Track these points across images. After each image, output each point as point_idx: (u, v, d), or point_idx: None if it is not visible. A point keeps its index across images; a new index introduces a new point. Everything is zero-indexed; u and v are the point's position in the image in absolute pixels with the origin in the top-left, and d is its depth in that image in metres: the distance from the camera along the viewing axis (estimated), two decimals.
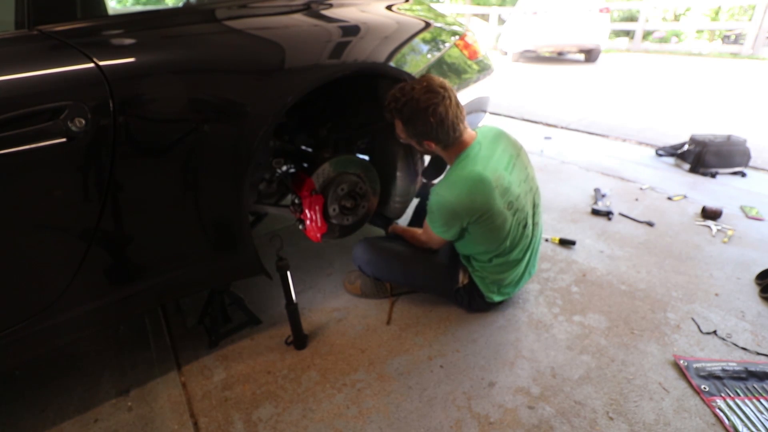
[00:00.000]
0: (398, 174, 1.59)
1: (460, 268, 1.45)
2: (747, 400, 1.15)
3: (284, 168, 1.51)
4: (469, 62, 1.72)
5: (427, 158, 1.74)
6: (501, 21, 11.10)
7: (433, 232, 1.36)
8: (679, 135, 3.39)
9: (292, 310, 1.35)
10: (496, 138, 1.36)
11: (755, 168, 2.80)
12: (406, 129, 1.26)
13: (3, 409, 1.19)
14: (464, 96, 1.67)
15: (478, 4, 14.80)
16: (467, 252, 1.42)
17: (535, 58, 9.19)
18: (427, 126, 1.21)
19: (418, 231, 1.51)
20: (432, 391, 1.21)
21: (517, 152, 1.39)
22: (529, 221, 1.39)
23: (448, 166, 1.35)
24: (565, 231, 2.04)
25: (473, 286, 1.43)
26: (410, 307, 1.55)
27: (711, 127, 3.70)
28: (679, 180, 2.65)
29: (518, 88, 5.89)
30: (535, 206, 1.42)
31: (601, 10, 7.81)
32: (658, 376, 1.24)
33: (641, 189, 2.51)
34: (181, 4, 1.72)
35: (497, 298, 1.45)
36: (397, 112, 1.24)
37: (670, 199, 2.37)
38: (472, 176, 1.23)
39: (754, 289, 1.61)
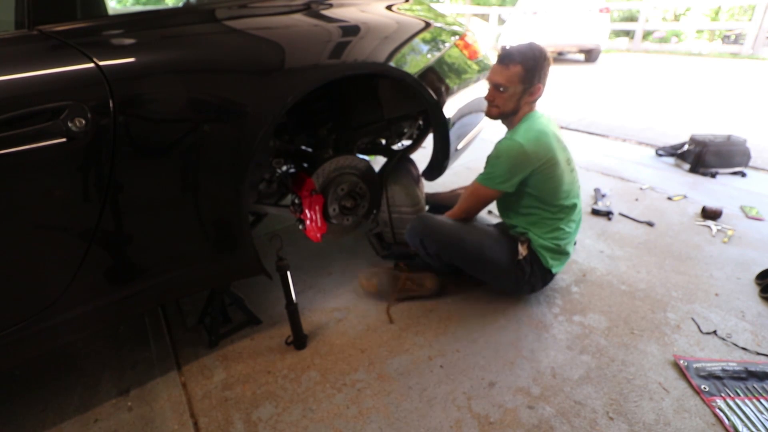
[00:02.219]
0: (394, 185, 1.57)
1: (518, 241, 1.49)
2: (747, 400, 1.15)
3: (284, 168, 1.51)
4: (469, 62, 1.72)
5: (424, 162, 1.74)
6: (501, 21, 11.10)
7: (488, 185, 1.42)
8: (679, 135, 3.39)
9: (292, 310, 1.35)
10: (549, 118, 1.50)
11: (755, 168, 2.80)
12: (527, 73, 1.36)
13: (3, 409, 1.19)
14: (464, 96, 1.68)
15: (478, 4, 14.79)
16: (524, 205, 1.48)
17: None
18: (546, 70, 1.39)
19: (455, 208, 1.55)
20: (432, 391, 1.21)
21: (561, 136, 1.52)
22: (578, 191, 1.53)
23: (506, 131, 1.47)
24: None
25: (534, 257, 1.47)
26: (410, 307, 1.54)
27: (711, 127, 3.70)
28: (679, 180, 2.65)
29: None
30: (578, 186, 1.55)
31: (601, 10, 7.81)
32: (658, 376, 1.24)
33: (641, 189, 2.51)
34: (181, 4, 1.72)
35: (555, 268, 1.50)
36: (523, 58, 1.36)
37: (670, 199, 2.37)
38: (540, 128, 1.38)
39: (754, 289, 1.61)
